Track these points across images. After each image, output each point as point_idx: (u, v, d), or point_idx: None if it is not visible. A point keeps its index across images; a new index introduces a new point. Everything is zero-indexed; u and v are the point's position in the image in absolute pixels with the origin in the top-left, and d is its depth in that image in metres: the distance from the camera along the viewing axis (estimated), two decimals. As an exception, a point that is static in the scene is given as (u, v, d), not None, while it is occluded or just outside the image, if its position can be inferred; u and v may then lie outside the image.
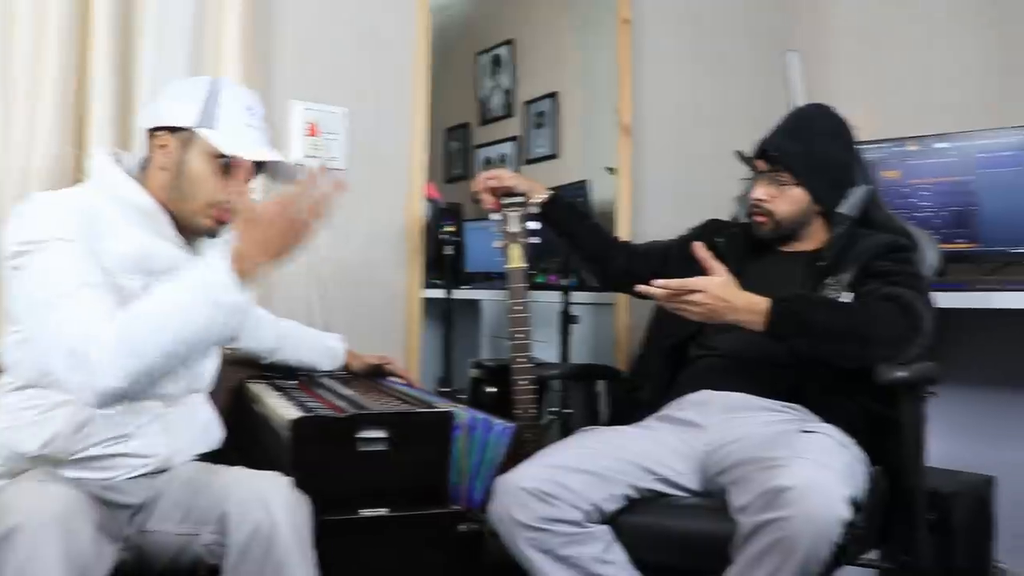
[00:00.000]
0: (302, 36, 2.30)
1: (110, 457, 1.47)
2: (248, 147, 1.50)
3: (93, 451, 1.44)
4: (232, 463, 1.60)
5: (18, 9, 1.84)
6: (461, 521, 1.59)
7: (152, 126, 1.51)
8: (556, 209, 2.20)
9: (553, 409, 2.53)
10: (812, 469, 1.44)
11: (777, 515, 1.39)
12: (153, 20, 2.00)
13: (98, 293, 1.34)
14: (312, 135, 2.29)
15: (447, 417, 1.59)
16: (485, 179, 2.18)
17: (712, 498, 1.68)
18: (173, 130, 1.49)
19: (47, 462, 1.43)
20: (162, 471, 1.55)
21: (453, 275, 3.00)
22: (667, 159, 2.96)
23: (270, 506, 1.37)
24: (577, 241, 2.24)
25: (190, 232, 1.54)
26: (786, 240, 1.96)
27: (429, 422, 1.58)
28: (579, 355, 2.75)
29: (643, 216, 2.89)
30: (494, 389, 2.67)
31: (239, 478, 1.47)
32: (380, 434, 1.52)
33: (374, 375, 2.03)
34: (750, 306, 1.70)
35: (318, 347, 1.99)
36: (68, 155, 1.88)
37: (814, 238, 1.96)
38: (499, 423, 1.70)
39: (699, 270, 1.88)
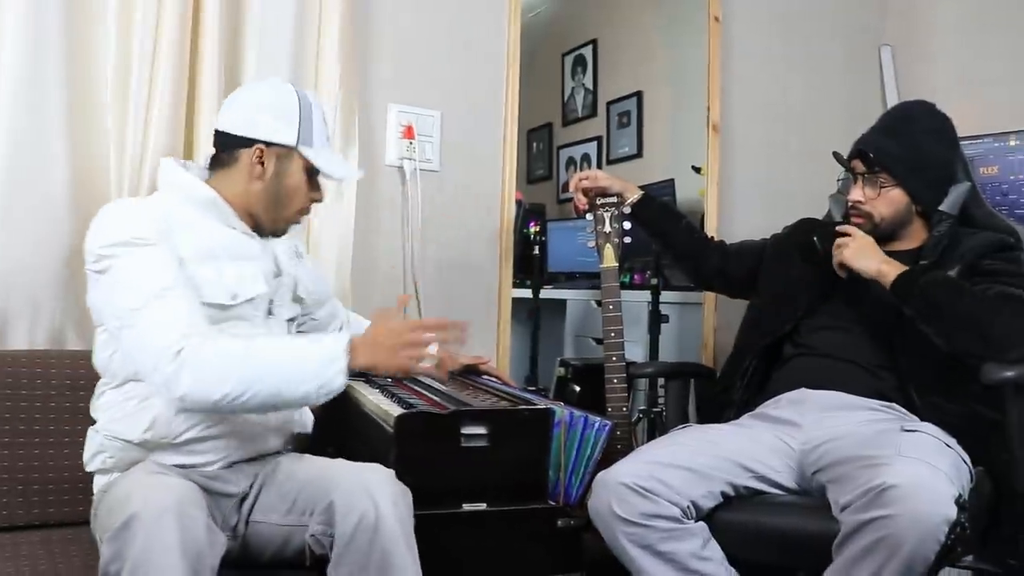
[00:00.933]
0: (399, 42, 2.35)
1: (208, 440, 1.53)
2: (338, 165, 1.67)
3: (191, 434, 1.51)
4: (328, 457, 1.64)
5: (134, 26, 1.93)
6: (560, 516, 1.61)
7: (247, 136, 1.58)
8: (648, 208, 2.21)
9: (641, 408, 2.53)
10: (917, 467, 1.42)
11: (882, 513, 1.38)
12: (256, 26, 2.07)
13: (183, 297, 1.43)
14: (408, 137, 2.34)
15: (547, 414, 1.61)
16: (579, 179, 2.19)
17: (809, 496, 1.68)
18: (269, 144, 1.57)
19: (151, 447, 1.50)
20: (262, 457, 1.62)
21: (531, 274, 3.03)
22: (756, 158, 2.94)
23: (376, 497, 1.39)
24: (670, 240, 2.24)
25: (265, 230, 1.65)
26: (885, 240, 1.93)
27: (529, 418, 1.60)
28: (666, 354, 2.74)
29: (731, 215, 2.87)
30: (579, 388, 2.65)
31: (344, 470, 1.50)
32: (481, 430, 1.54)
33: (466, 374, 2.06)
34: (891, 260, 1.77)
35: None
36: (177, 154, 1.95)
37: (914, 237, 1.93)
38: (597, 420, 1.71)
39: (791, 269, 1.89)
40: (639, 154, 3.77)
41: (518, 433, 1.58)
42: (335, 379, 1.40)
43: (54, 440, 1.74)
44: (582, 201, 2.19)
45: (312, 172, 1.62)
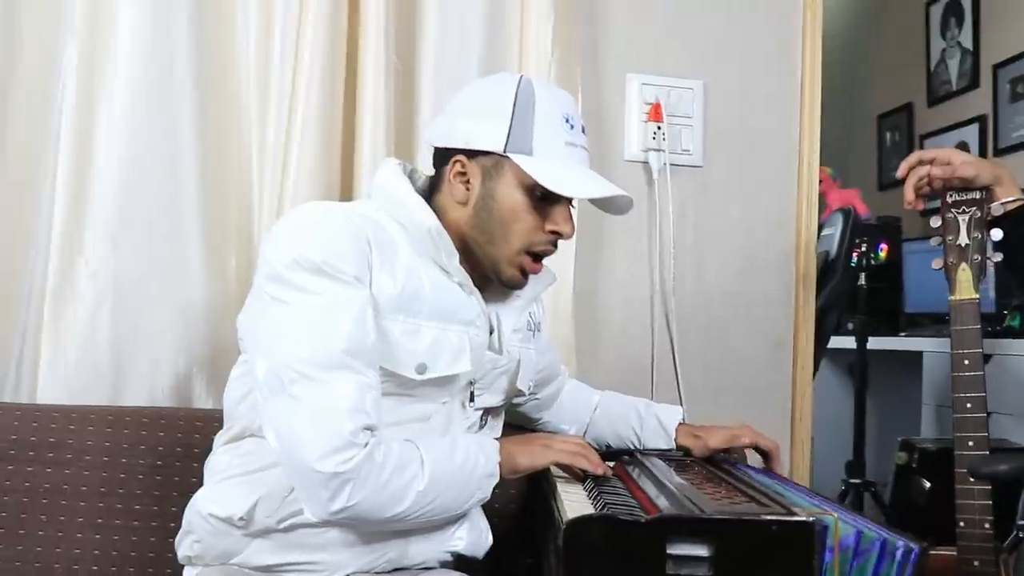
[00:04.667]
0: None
1: (326, 532, 1.43)
2: (575, 179, 1.49)
3: (302, 518, 1.41)
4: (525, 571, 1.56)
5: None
6: None
7: (446, 146, 1.51)
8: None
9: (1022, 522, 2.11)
10: None
11: None
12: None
13: (371, 370, 1.36)
14: (654, 120, 2.19)
15: (809, 530, 1.31)
16: (917, 162, 1.83)
17: None
18: (472, 154, 1.48)
19: (251, 532, 1.44)
20: (397, 570, 1.49)
21: (881, 316, 2.75)
22: None
23: None
24: None
25: (484, 278, 1.55)
26: None
27: (779, 536, 1.31)
28: None
29: None
30: (931, 483, 2.33)
31: None
32: (700, 551, 1.31)
33: (722, 461, 1.81)
34: None
35: (642, 420, 1.85)
36: (333, 159, 1.95)
37: None
38: (900, 543, 1.37)
39: None
40: (1047, 138, 3.59)
41: (761, 559, 1.31)
42: (488, 492, 1.45)
43: (158, 525, 1.72)
44: (910, 198, 1.84)
45: (542, 192, 1.46)
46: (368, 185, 1.92)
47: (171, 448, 1.75)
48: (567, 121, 1.49)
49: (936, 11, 4.07)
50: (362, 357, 1.34)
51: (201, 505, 1.48)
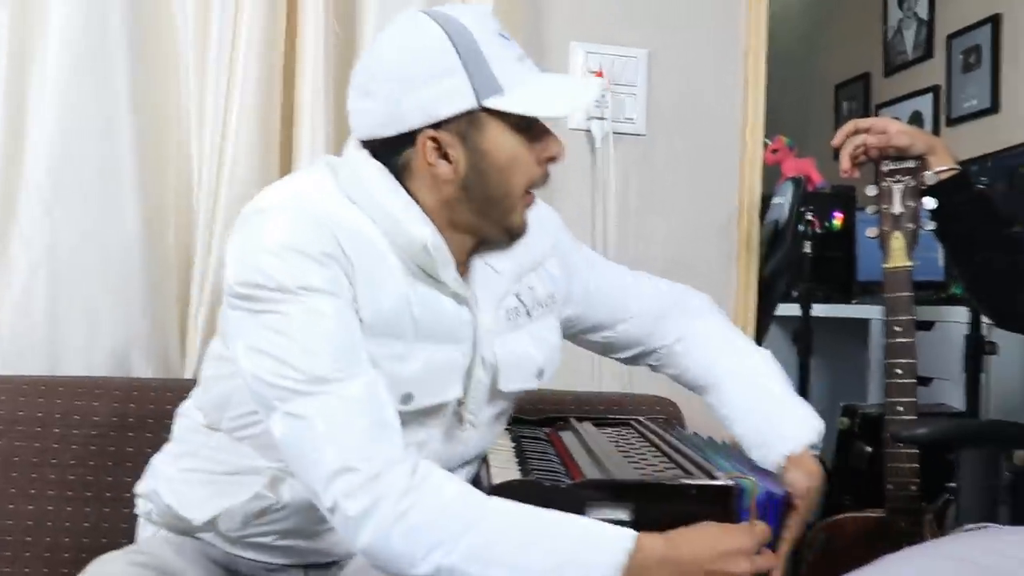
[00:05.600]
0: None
1: (284, 551, 1.41)
2: (560, 94, 1.34)
3: (266, 540, 1.39)
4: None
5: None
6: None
7: (400, 132, 1.30)
8: (958, 195, 1.79)
9: (952, 484, 2.14)
10: None
11: None
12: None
13: (377, 383, 1.23)
14: None
15: (726, 494, 1.32)
16: (853, 130, 1.83)
17: None
18: (438, 124, 1.28)
19: (213, 533, 1.41)
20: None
21: (834, 284, 2.78)
22: None
23: None
24: (977, 254, 1.81)
25: (495, 243, 1.40)
26: None
27: (697, 500, 1.32)
28: (999, 405, 2.48)
29: None
30: (870, 449, 2.37)
31: None
32: (622, 515, 1.29)
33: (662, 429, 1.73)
34: None
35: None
36: (272, 129, 1.93)
37: None
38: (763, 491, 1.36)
39: None
40: (994, 108, 3.50)
41: (681, 523, 1.29)
42: None
43: (92, 495, 1.71)
44: (846, 166, 1.84)
45: (525, 123, 1.30)
46: (308, 153, 1.91)
47: (107, 418, 1.73)
48: (502, 37, 1.31)
49: (891, -17, 4.11)
50: (355, 359, 1.22)
51: (162, 486, 1.43)
